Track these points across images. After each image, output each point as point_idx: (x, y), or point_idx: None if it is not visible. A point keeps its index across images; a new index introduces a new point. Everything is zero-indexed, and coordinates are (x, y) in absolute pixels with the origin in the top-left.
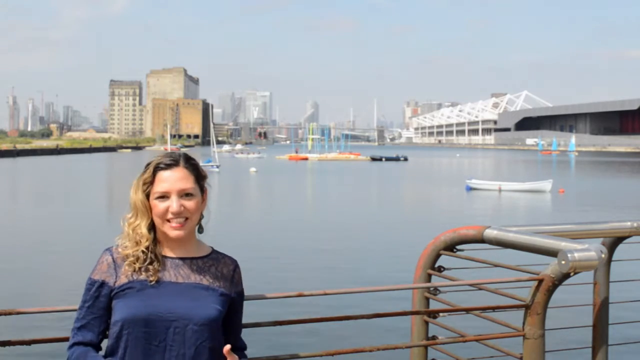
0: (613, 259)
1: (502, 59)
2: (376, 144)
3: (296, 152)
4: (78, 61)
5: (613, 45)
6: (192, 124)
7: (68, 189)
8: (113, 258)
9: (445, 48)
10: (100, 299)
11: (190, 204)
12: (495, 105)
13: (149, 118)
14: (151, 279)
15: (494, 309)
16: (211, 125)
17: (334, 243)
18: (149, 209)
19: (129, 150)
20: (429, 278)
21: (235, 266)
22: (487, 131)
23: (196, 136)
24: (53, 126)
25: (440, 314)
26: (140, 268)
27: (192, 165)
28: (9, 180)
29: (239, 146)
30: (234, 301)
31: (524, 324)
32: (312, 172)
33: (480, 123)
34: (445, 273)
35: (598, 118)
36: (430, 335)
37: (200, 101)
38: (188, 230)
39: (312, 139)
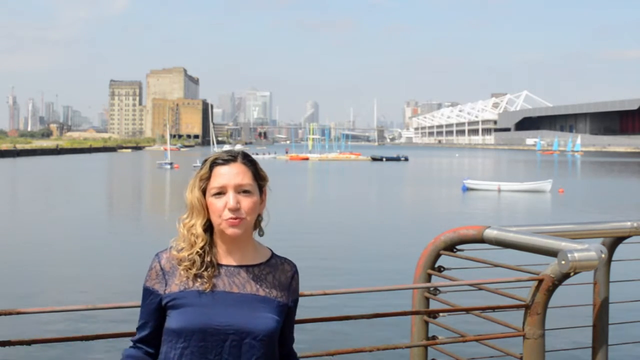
0: (613, 259)
1: (502, 59)
2: (376, 144)
3: (286, 152)
4: (78, 61)
5: (613, 45)
6: (192, 124)
7: (68, 189)
8: (161, 265)
9: (445, 48)
10: (151, 306)
11: (247, 201)
12: (495, 105)
13: (149, 118)
14: (205, 286)
15: (494, 309)
16: (211, 125)
17: (334, 243)
18: (205, 207)
19: (129, 150)
20: (429, 278)
21: (294, 272)
22: (487, 131)
23: (196, 136)
24: (53, 126)
25: (440, 314)
26: (195, 275)
27: (251, 162)
28: (9, 180)
29: (238, 146)
30: (290, 311)
31: (524, 324)
32: (313, 172)
33: (480, 123)
34: (445, 273)
35: (598, 118)
36: (430, 335)
37: (200, 101)
38: (245, 229)
39: (312, 139)
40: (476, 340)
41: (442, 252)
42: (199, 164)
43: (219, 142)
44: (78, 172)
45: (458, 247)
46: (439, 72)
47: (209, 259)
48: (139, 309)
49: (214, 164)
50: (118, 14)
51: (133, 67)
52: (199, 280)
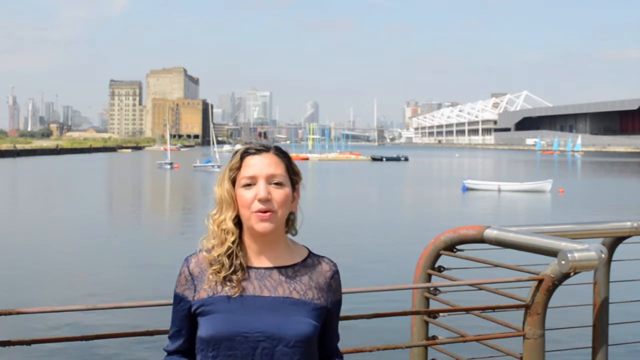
0: (613, 259)
1: (502, 59)
2: (376, 144)
3: None
4: (78, 61)
5: (613, 45)
6: (192, 124)
7: (68, 189)
8: (189, 270)
9: (445, 48)
10: (181, 314)
11: (279, 193)
12: (495, 105)
13: (149, 118)
14: (233, 291)
15: (494, 309)
16: (211, 125)
17: (334, 243)
18: (235, 200)
19: (129, 150)
20: (429, 278)
21: (334, 272)
22: (487, 131)
23: (196, 136)
24: (53, 126)
25: (440, 314)
26: (225, 277)
27: (284, 154)
28: (9, 180)
29: (238, 146)
30: (329, 313)
31: (524, 324)
32: (313, 172)
33: (480, 123)
34: (445, 273)
35: (598, 118)
36: (430, 335)
37: (200, 101)
38: (276, 225)
39: (312, 139)
40: (476, 340)
41: (442, 252)
42: (199, 163)
43: (219, 142)
44: (78, 172)
45: (458, 247)
46: (439, 72)
47: (238, 261)
48: (138, 308)
49: (246, 153)
50: (118, 14)
51: (133, 67)
52: (227, 284)
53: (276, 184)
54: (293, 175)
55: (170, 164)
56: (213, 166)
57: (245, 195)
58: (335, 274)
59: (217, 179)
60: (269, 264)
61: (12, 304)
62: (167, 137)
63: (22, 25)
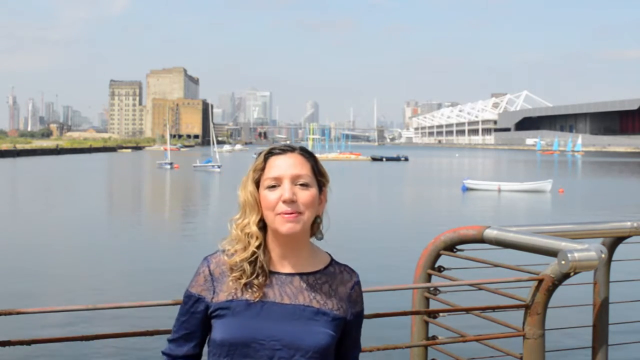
0: (613, 259)
1: (502, 59)
2: (376, 144)
3: None
4: (78, 61)
5: (613, 45)
6: (192, 124)
7: (68, 189)
8: (210, 270)
9: (445, 48)
10: (195, 315)
11: (304, 194)
12: (495, 105)
13: (149, 118)
14: (254, 296)
15: (494, 309)
16: (211, 125)
17: (334, 243)
18: (259, 202)
19: (129, 150)
20: (429, 278)
21: (355, 283)
22: (487, 131)
23: (196, 136)
24: (53, 126)
25: (440, 314)
26: (246, 284)
27: (309, 154)
28: (9, 180)
29: (238, 146)
30: (349, 324)
31: (524, 324)
32: None
33: (480, 123)
34: (445, 273)
35: (598, 118)
36: (430, 335)
37: (200, 101)
38: (301, 227)
39: (313, 139)
40: (476, 340)
41: (442, 252)
42: (199, 163)
43: (219, 142)
44: (78, 172)
45: (458, 247)
46: (439, 72)
47: (260, 265)
48: (138, 308)
49: (270, 154)
50: (118, 14)
51: (133, 67)
52: (249, 289)
53: (302, 184)
54: (319, 176)
55: (170, 164)
56: (213, 166)
57: (269, 196)
58: (356, 285)
59: (241, 182)
60: (290, 270)
61: (12, 304)
62: (167, 137)
63: (22, 25)
